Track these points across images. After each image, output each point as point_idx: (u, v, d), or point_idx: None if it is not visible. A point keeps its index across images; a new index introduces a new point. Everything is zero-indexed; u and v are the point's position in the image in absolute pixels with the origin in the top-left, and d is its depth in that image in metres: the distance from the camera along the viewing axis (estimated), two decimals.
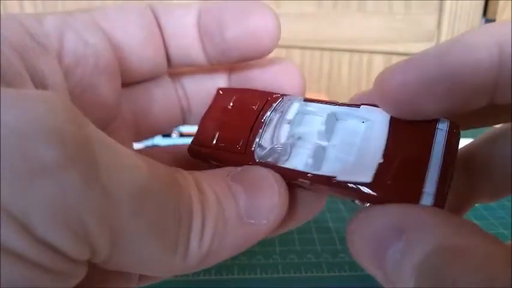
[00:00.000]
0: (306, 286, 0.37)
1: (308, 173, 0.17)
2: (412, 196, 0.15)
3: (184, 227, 0.14)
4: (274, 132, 0.19)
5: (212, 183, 0.16)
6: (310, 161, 0.18)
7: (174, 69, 0.23)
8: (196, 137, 0.21)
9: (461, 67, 0.14)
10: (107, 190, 0.12)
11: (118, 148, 0.13)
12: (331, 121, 0.18)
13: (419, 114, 0.16)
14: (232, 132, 0.20)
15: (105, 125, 0.19)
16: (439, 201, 0.15)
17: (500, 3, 0.74)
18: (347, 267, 0.39)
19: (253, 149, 0.19)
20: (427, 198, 0.15)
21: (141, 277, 0.20)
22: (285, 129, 0.19)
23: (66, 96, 0.17)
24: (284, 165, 0.18)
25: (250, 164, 0.18)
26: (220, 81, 0.23)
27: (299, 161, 0.18)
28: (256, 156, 0.18)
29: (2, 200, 0.10)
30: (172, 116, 0.23)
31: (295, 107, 0.19)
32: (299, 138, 0.19)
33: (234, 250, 0.16)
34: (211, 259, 0.15)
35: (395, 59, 0.80)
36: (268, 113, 0.19)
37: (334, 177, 0.16)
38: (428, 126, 0.16)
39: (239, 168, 0.18)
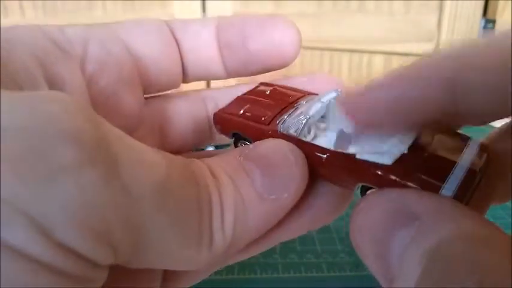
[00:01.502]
0: (306, 286, 0.37)
1: (329, 149, 0.17)
2: (431, 188, 0.14)
3: (205, 217, 0.14)
4: (304, 109, 0.19)
5: (224, 165, 0.16)
6: (333, 140, 0.17)
7: (205, 88, 0.23)
8: (225, 107, 0.21)
9: (413, 101, 0.14)
10: (127, 188, 0.12)
11: (137, 145, 0.13)
12: None
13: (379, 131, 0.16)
14: (262, 108, 0.20)
15: (128, 133, 0.20)
16: (459, 198, 0.14)
17: (500, 3, 0.74)
18: (347, 267, 0.39)
19: (278, 122, 0.19)
20: (446, 192, 0.14)
21: (167, 277, 0.19)
22: (315, 107, 0.19)
23: (83, 99, 0.17)
24: (305, 140, 0.18)
25: (270, 135, 0.18)
26: None
27: (322, 140, 0.18)
28: (279, 128, 0.18)
29: (20, 203, 0.10)
30: (200, 130, 0.23)
31: (331, 94, 0.20)
32: (324, 124, 0.19)
33: (260, 229, 0.16)
34: (238, 243, 0.15)
35: (395, 59, 0.80)
36: (303, 102, 0.20)
37: (354, 154, 0.16)
38: (462, 137, 0.17)
39: (251, 146, 0.17)
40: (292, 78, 0.23)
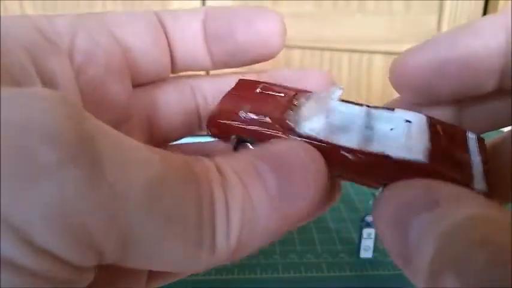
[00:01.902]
0: (306, 286, 0.37)
1: (357, 149, 0.16)
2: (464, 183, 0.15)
3: (206, 219, 0.13)
4: (314, 107, 0.18)
5: (234, 165, 0.14)
6: (355, 140, 0.17)
7: (192, 75, 0.23)
8: (219, 109, 0.19)
9: (470, 50, 0.16)
10: (113, 188, 0.11)
11: (126, 141, 0.12)
12: (369, 119, 0.18)
13: (434, 97, 0.17)
14: (263, 108, 0.18)
15: (117, 125, 0.19)
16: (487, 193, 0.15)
17: (500, 3, 0.74)
18: (347, 267, 0.39)
19: (288, 122, 0.17)
20: (479, 188, 0.15)
21: (152, 277, 0.19)
22: (327, 105, 0.18)
23: (74, 94, 0.17)
24: (329, 140, 0.17)
25: (283, 136, 0.17)
26: None
27: (343, 140, 0.17)
28: (297, 129, 0.17)
29: (1, 209, 0.10)
30: (189, 119, 0.23)
31: (336, 92, 0.19)
32: (339, 128, 0.18)
33: (270, 236, 0.15)
34: (245, 248, 0.14)
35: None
36: (303, 99, 0.19)
37: (389, 155, 0.16)
38: (460, 132, 0.17)
39: (264, 145, 0.16)
40: (275, 71, 0.23)
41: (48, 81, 0.15)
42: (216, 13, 0.21)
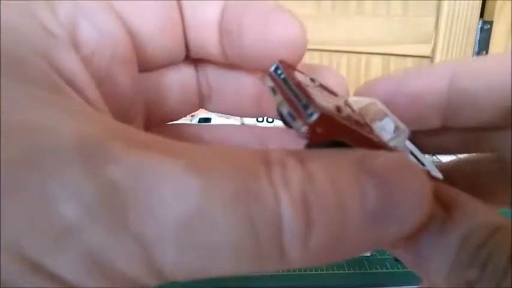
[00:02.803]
0: (304, 283, 0.37)
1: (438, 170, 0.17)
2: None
3: (266, 243, 0.11)
4: (380, 118, 0.17)
5: (335, 173, 0.12)
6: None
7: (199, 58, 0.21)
8: (322, 103, 0.15)
9: (417, 89, 0.19)
10: (139, 238, 0.10)
11: (157, 170, 0.11)
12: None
13: None
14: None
15: (124, 114, 0.18)
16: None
17: (498, 3, 0.75)
18: (346, 266, 0.39)
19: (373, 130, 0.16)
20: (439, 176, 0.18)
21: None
22: (386, 117, 0.18)
23: (94, 94, 0.15)
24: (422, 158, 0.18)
25: (381, 147, 0.15)
26: (248, 79, 0.21)
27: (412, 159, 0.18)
28: (383, 136, 0.16)
29: (35, 260, 0.10)
30: (188, 102, 0.21)
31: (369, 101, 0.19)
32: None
33: (355, 254, 0.13)
34: (320, 262, 0.13)
35: (393, 61, 0.81)
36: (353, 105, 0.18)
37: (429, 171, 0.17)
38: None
39: (371, 153, 0.13)
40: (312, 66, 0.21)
41: (71, 84, 0.14)
42: (233, 6, 0.18)
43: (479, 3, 0.76)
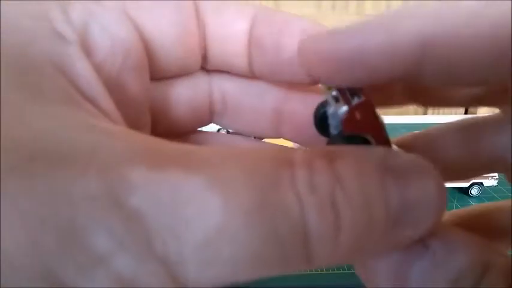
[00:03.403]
0: (304, 283, 0.37)
1: None
2: None
3: (292, 250, 0.11)
4: None
5: (362, 173, 0.12)
6: None
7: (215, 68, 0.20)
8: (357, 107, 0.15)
9: (381, 51, 0.14)
10: (164, 260, 0.11)
11: (177, 192, 0.11)
12: None
13: (331, 82, 0.16)
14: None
15: (134, 122, 0.18)
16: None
17: None
18: (346, 266, 0.39)
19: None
20: None
21: None
22: None
23: (109, 104, 0.15)
24: None
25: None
26: (271, 96, 0.20)
27: None
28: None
29: (69, 286, 0.10)
30: (197, 116, 0.21)
31: None
32: None
33: (375, 255, 0.13)
34: (345, 261, 0.13)
35: None
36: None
37: None
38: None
39: (392, 152, 0.13)
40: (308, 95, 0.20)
41: (85, 94, 0.14)
42: (268, 16, 0.18)
43: None
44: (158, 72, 0.19)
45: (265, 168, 0.11)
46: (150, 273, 0.11)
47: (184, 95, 0.20)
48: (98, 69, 0.15)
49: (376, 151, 0.13)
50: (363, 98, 0.15)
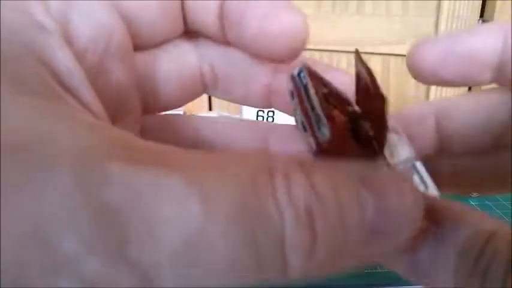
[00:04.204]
0: (304, 284, 0.37)
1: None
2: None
3: (268, 258, 0.11)
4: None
5: (337, 184, 0.12)
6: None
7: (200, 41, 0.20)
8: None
9: (470, 47, 0.19)
10: (138, 267, 0.10)
11: (156, 190, 0.10)
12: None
13: (442, 82, 0.20)
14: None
15: (120, 107, 0.17)
16: None
17: (498, 3, 0.75)
18: None
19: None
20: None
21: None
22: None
23: (89, 93, 0.14)
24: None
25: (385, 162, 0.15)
26: (259, 68, 0.20)
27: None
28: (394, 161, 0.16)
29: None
30: (188, 89, 0.21)
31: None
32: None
33: (353, 265, 0.13)
34: (322, 273, 0.13)
35: (393, 61, 0.81)
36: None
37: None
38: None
39: (371, 166, 0.14)
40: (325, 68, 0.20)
41: (65, 85, 0.13)
42: None
43: (479, 3, 0.76)
44: (141, 45, 0.18)
45: (245, 174, 0.11)
46: (121, 278, 0.10)
47: (173, 68, 0.20)
48: (80, 57, 0.15)
49: (353, 165, 0.13)
50: (329, 133, 0.14)
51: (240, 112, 0.69)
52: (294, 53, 0.18)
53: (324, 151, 0.14)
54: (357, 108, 0.17)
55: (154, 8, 0.17)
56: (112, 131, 0.12)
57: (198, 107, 0.79)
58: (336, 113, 0.15)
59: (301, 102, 0.15)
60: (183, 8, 0.18)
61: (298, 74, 0.16)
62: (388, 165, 0.16)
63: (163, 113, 0.22)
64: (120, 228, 0.10)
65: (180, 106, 0.21)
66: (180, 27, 0.19)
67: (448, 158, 0.22)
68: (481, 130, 0.20)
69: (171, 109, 0.21)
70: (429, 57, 0.20)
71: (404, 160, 0.17)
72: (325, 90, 0.16)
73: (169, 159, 0.11)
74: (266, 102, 0.21)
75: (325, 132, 0.14)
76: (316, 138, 0.14)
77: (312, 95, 0.15)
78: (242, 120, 0.25)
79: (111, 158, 0.10)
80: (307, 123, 0.15)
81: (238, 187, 0.11)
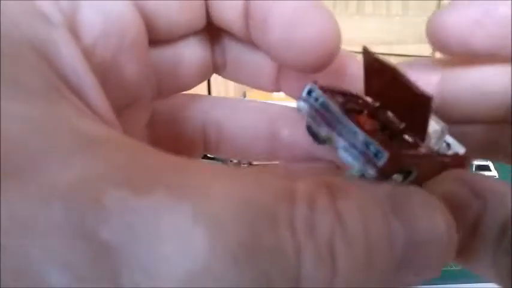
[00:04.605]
0: None
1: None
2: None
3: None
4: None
5: (366, 216, 0.11)
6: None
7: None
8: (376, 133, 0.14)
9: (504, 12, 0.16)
10: None
11: (157, 222, 0.09)
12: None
13: (471, 51, 0.17)
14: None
15: (133, 98, 0.17)
16: None
17: None
18: None
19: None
20: None
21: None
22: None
23: (98, 95, 0.13)
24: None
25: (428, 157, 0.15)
26: (267, 60, 0.19)
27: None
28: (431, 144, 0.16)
29: None
30: (202, 72, 0.20)
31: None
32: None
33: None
34: None
35: (393, 61, 0.80)
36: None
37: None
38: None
39: (400, 190, 0.12)
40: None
41: (70, 85, 0.12)
42: None
43: None
44: (160, 37, 0.17)
45: (262, 199, 0.10)
46: None
47: (188, 55, 0.19)
48: (89, 53, 0.14)
49: (382, 188, 0.12)
50: (387, 156, 0.12)
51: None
52: (325, 62, 0.16)
53: (384, 172, 0.13)
54: (369, 99, 0.16)
55: (175, 4, 0.17)
56: (118, 145, 0.11)
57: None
58: (369, 124, 0.14)
59: (329, 124, 0.14)
60: (206, 5, 0.17)
61: (309, 93, 0.15)
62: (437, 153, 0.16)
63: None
64: (115, 266, 0.09)
65: (190, 89, 0.21)
66: (201, 23, 0.18)
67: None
68: (484, 101, 0.18)
69: (184, 90, 0.20)
70: (458, 23, 0.17)
71: (436, 131, 0.16)
72: (340, 99, 0.15)
73: (180, 178, 0.10)
74: (274, 87, 0.20)
75: (382, 155, 0.13)
76: (375, 164, 0.13)
77: (339, 113, 0.14)
78: (251, 101, 0.23)
79: (109, 190, 0.09)
80: (353, 148, 0.13)
81: (251, 216, 0.10)
